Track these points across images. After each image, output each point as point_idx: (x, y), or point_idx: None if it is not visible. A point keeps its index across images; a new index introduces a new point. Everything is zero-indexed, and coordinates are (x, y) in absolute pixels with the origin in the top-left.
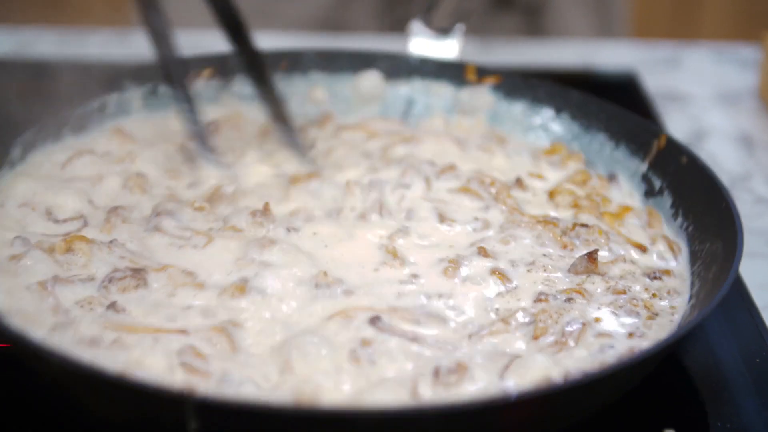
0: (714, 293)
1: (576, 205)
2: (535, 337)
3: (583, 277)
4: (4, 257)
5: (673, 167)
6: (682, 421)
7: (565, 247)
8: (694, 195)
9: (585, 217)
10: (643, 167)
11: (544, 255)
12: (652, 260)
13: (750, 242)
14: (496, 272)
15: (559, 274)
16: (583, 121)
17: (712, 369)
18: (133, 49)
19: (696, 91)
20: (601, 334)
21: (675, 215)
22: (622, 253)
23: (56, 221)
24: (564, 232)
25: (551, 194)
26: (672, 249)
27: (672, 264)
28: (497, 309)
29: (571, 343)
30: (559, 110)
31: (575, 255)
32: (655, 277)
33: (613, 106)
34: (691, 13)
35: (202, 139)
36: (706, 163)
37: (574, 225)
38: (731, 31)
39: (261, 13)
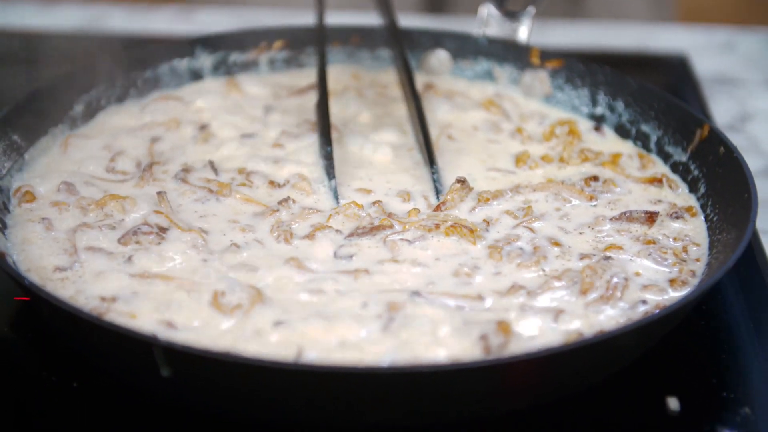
0: (727, 259)
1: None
2: (583, 292)
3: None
4: (49, 202)
5: (711, 158)
6: (687, 390)
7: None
8: (725, 186)
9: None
10: (684, 156)
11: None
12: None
13: None
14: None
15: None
16: (636, 109)
17: (724, 340)
18: (196, 25)
19: (746, 75)
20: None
21: (704, 206)
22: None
23: (113, 170)
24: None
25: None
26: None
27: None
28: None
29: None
30: (614, 97)
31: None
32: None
33: (666, 95)
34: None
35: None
36: (741, 155)
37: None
38: None
39: None
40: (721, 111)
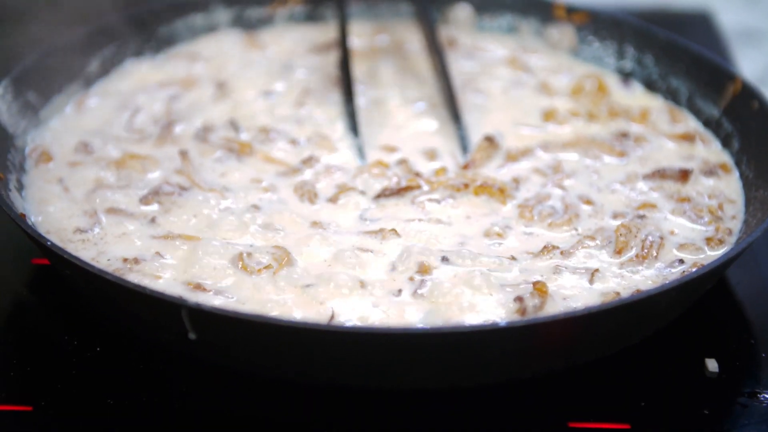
0: (765, 216)
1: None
2: (618, 252)
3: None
4: (66, 162)
5: (744, 112)
6: (725, 351)
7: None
8: (760, 142)
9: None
10: (716, 111)
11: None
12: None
13: None
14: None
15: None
16: (665, 62)
17: (762, 300)
18: None
19: None
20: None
21: (738, 162)
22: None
23: (131, 129)
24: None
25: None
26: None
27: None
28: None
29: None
30: (642, 50)
31: None
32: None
33: (696, 49)
34: None
35: (346, 64)
36: None
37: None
38: None
39: None
40: (748, 65)
